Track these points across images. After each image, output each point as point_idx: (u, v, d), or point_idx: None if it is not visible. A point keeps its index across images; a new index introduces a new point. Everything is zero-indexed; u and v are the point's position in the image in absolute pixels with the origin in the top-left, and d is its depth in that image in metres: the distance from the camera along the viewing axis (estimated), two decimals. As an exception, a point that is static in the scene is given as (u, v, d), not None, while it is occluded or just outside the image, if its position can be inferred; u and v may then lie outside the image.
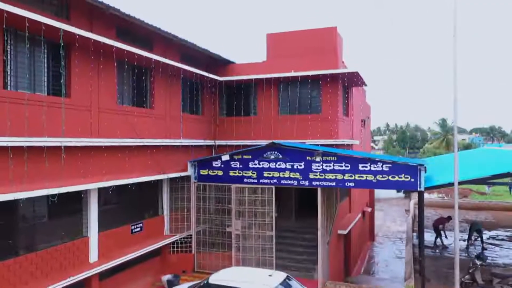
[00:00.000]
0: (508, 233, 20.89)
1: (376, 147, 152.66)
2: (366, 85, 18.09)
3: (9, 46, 8.85)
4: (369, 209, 23.87)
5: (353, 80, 16.79)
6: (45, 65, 9.78)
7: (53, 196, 9.22)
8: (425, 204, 26.45)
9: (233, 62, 17.22)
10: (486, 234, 20.48)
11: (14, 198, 8.22)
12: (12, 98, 8.50)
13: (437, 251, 17.32)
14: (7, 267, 8.72)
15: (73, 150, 10.00)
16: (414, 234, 19.64)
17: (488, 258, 15.81)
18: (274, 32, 16.73)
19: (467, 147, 75.83)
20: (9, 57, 8.86)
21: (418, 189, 11.89)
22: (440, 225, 18.33)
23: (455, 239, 10.73)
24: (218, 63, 17.10)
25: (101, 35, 10.55)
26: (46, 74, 9.80)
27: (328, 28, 15.91)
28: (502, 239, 19.55)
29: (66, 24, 9.21)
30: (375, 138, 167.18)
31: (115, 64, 11.61)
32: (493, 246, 18.08)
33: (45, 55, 9.75)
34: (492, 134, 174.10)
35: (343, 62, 17.05)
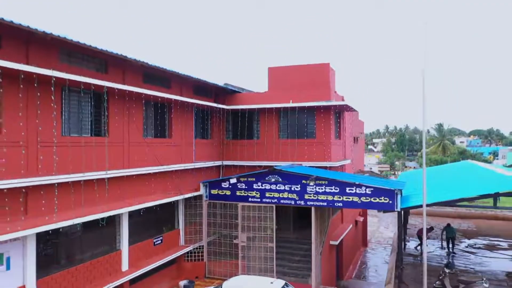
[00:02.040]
0: (485, 242, 23.16)
1: (375, 150, 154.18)
2: (356, 111, 20.37)
3: (64, 101, 11.15)
4: (361, 219, 26.13)
5: (343, 109, 19.07)
6: (89, 112, 12.08)
7: (102, 220, 11.54)
8: (416, 213, 28.94)
9: (238, 92, 19.51)
10: (465, 242, 22.80)
11: (73, 223, 10.54)
12: (72, 142, 10.84)
13: (419, 258, 19.60)
14: (71, 273, 11.07)
15: (111, 180, 12.30)
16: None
17: (462, 265, 18.11)
18: (275, 66, 19.01)
19: (462, 152, 77.93)
20: (64, 109, 11.16)
21: (395, 210, 14.17)
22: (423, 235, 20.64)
23: (423, 251, 13.03)
24: (225, 93, 19.39)
25: (132, 82, 12.89)
26: (90, 119, 12.10)
27: (321, 64, 18.18)
28: (479, 247, 21.82)
29: (107, 82, 11.52)
30: (374, 140, 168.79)
31: (143, 105, 13.92)
32: (468, 254, 20.36)
33: (90, 104, 12.05)
34: (490, 137, 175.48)
35: (335, 92, 19.33)
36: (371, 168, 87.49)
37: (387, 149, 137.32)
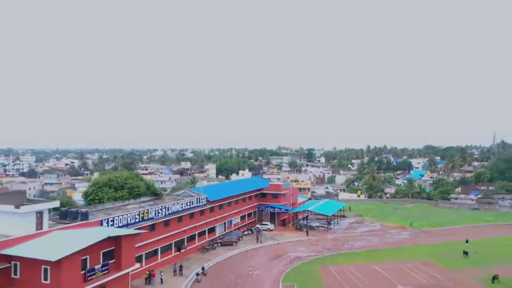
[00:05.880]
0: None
1: (353, 168, 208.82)
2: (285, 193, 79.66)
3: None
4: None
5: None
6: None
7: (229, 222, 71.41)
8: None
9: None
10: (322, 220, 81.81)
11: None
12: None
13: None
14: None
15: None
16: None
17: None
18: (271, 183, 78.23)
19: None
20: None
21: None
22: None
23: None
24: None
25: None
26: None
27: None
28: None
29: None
30: (353, 161, 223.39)
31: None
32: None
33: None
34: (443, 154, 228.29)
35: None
36: (327, 187, 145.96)
37: (360, 169, 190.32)
